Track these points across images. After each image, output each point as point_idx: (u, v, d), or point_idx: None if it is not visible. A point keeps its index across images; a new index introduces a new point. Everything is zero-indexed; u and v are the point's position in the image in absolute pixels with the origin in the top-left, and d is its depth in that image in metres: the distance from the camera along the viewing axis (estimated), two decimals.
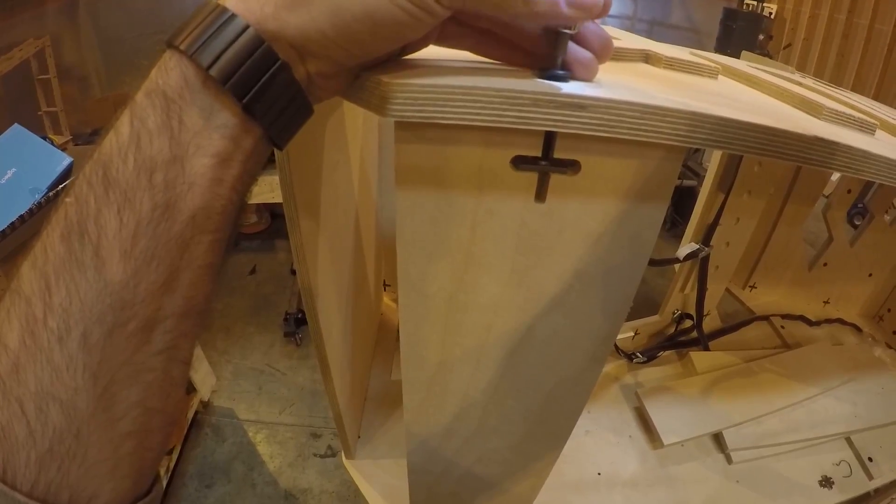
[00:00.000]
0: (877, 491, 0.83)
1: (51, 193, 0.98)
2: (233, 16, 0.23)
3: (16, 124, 1.07)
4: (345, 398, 0.71)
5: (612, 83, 0.28)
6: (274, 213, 2.62)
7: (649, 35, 2.80)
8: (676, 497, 0.78)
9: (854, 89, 1.82)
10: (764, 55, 2.04)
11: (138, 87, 0.24)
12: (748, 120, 0.25)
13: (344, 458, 0.82)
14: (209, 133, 0.23)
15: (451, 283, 0.33)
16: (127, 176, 0.23)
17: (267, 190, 2.19)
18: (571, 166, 0.28)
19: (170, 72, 0.23)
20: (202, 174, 0.23)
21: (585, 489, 0.79)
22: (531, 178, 0.28)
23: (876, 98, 1.74)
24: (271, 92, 0.24)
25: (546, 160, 0.27)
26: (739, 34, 1.93)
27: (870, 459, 0.82)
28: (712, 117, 0.25)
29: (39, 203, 0.95)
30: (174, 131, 0.23)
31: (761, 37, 1.89)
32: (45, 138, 2.05)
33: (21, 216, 0.90)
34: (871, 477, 0.81)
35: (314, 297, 0.53)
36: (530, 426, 0.46)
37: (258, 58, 0.23)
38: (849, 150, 0.27)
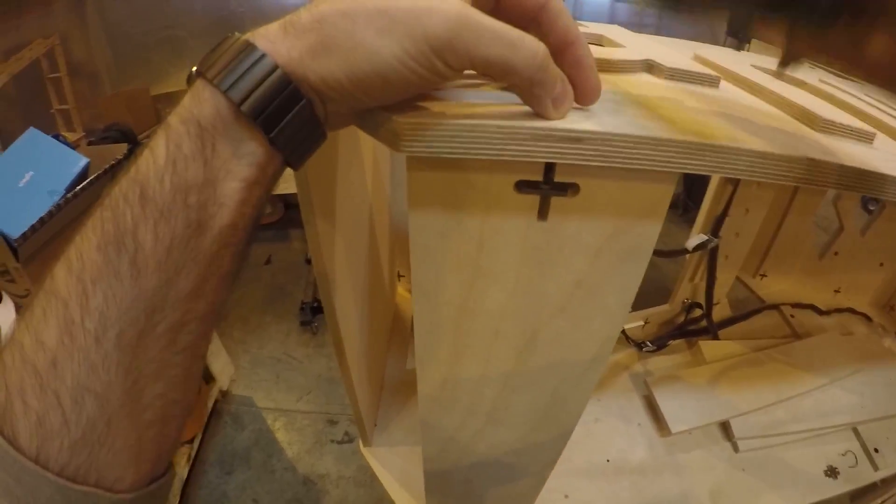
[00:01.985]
0: (883, 481, 0.84)
1: (69, 195, 1.00)
2: (263, 55, 0.25)
3: (31, 128, 1.09)
4: (362, 387, 0.74)
5: (610, 108, 0.29)
6: (288, 202, 2.64)
7: (659, 17, 2.76)
8: (683, 484, 0.80)
9: None
10: None
11: (172, 111, 0.26)
12: (738, 146, 0.27)
13: (361, 445, 0.85)
14: (238, 160, 0.26)
15: (461, 292, 0.35)
16: (164, 196, 0.25)
17: (280, 181, 2.21)
18: (571, 189, 0.30)
19: (203, 103, 0.25)
20: (231, 196, 0.26)
21: (594, 475, 0.81)
22: (534, 199, 0.30)
23: None
24: (294, 126, 0.26)
25: (547, 184, 0.29)
26: (751, 19, 1.90)
27: (876, 450, 0.83)
28: (702, 145, 0.26)
29: (58, 205, 0.97)
30: (207, 158, 0.25)
31: None
32: (58, 136, 2.09)
33: (41, 218, 0.92)
34: (876, 468, 0.81)
35: (331, 290, 0.55)
36: (537, 419, 0.49)
37: (286, 97, 0.25)
38: (839, 168, 0.28)
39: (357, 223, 0.69)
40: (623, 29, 0.59)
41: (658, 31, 2.74)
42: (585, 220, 0.31)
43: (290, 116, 0.26)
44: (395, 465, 0.82)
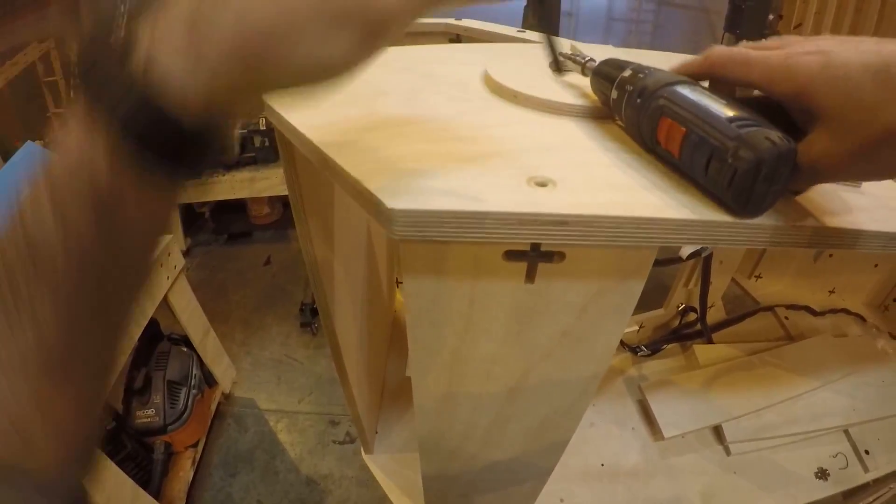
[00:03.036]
0: (875, 482, 0.86)
1: None
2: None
3: (28, 142, 1.09)
4: (362, 394, 0.75)
5: (595, 179, 0.30)
6: (286, 203, 2.65)
7: (657, 17, 2.75)
8: (676, 487, 0.82)
9: None
10: (774, 35, 2.01)
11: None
12: (715, 219, 0.28)
13: (363, 452, 0.87)
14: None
15: (454, 341, 0.37)
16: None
17: (278, 183, 2.23)
18: (557, 256, 0.31)
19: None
20: None
21: (589, 479, 0.83)
22: (521, 264, 0.32)
23: None
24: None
25: (534, 252, 0.31)
26: (749, 14, 1.89)
27: (866, 452, 0.84)
28: (681, 222, 0.28)
29: None
30: None
31: (771, 16, 1.85)
32: None
33: None
34: (866, 469, 0.83)
35: (329, 302, 0.57)
36: (529, 444, 0.50)
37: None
38: (819, 230, 0.29)
39: (355, 231, 0.70)
40: (616, 51, 0.60)
41: (656, 28, 2.73)
42: (571, 282, 0.32)
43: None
44: (398, 473, 0.84)
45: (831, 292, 1.13)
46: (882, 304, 1.10)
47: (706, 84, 0.32)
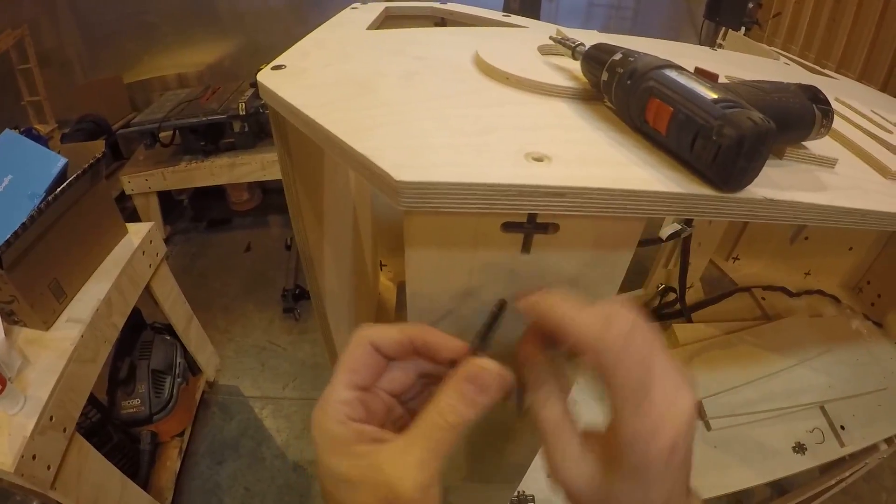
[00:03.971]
0: (851, 456, 0.89)
1: (50, 198, 0.98)
2: None
3: (7, 130, 1.05)
4: None
5: (587, 155, 0.32)
6: (266, 188, 2.63)
7: (637, 3, 2.76)
8: None
9: (844, 56, 1.82)
10: (753, 24, 2.04)
11: None
12: (699, 192, 0.29)
13: None
14: None
15: (452, 305, 0.38)
16: None
17: (258, 168, 2.21)
18: (552, 227, 0.33)
19: None
20: None
21: None
22: (518, 236, 0.33)
23: (866, 65, 1.74)
24: None
25: (530, 224, 0.32)
26: (729, 2, 1.92)
27: (842, 427, 0.87)
28: (669, 194, 0.29)
29: (40, 208, 0.95)
30: None
31: (751, 5, 1.88)
32: (30, 129, 2.04)
33: (23, 223, 0.91)
34: (842, 444, 0.86)
35: (322, 297, 0.57)
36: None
37: None
38: (794, 205, 0.30)
39: (343, 217, 0.71)
40: (601, 36, 0.61)
41: (636, 15, 2.74)
42: (565, 252, 0.34)
43: None
44: None
45: (807, 274, 1.16)
46: (856, 286, 1.13)
47: (692, 69, 0.33)
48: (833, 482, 1.00)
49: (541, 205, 0.29)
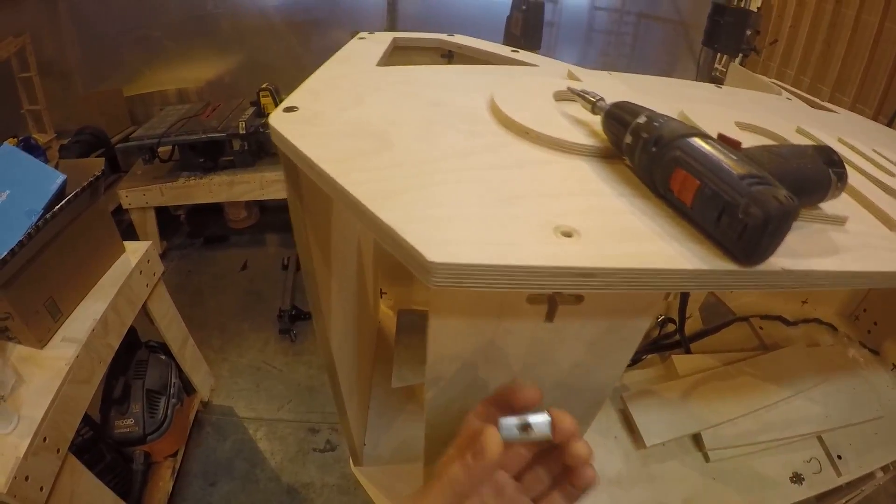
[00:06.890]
0: (848, 485, 0.89)
1: (48, 215, 0.97)
2: None
3: (5, 144, 1.04)
4: (352, 410, 0.76)
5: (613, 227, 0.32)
6: (263, 207, 2.63)
7: (636, 29, 2.80)
8: (658, 494, 0.84)
9: (839, 80, 1.85)
10: (751, 50, 2.07)
11: None
12: (723, 268, 0.30)
13: (352, 464, 0.87)
14: None
15: (470, 374, 0.39)
16: None
17: (257, 188, 2.21)
18: (576, 299, 0.33)
19: None
20: None
21: None
22: (542, 306, 0.34)
23: (860, 88, 1.77)
24: None
25: (557, 296, 0.33)
26: (727, 30, 1.95)
27: (839, 457, 0.87)
28: (694, 272, 0.30)
29: (37, 225, 0.94)
30: None
31: (748, 32, 1.91)
32: (28, 138, 2.03)
33: (20, 241, 0.90)
34: (839, 473, 0.86)
35: (327, 327, 0.57)
36: None
37: None
38: (809, 273, 0.31)
39: (348, 249, 0.71)
40: (613, 80, 0.61)
41: (635, 41, 2.78)
42: (586, 320, 0.35)
43: None
44: (387, 484, 0.85)
45: (804, 302, 1.17)
46: (853, 314, 1.14)
47: (715, 136, 0.34)
48: None
49: (570, 284, 0.29)
